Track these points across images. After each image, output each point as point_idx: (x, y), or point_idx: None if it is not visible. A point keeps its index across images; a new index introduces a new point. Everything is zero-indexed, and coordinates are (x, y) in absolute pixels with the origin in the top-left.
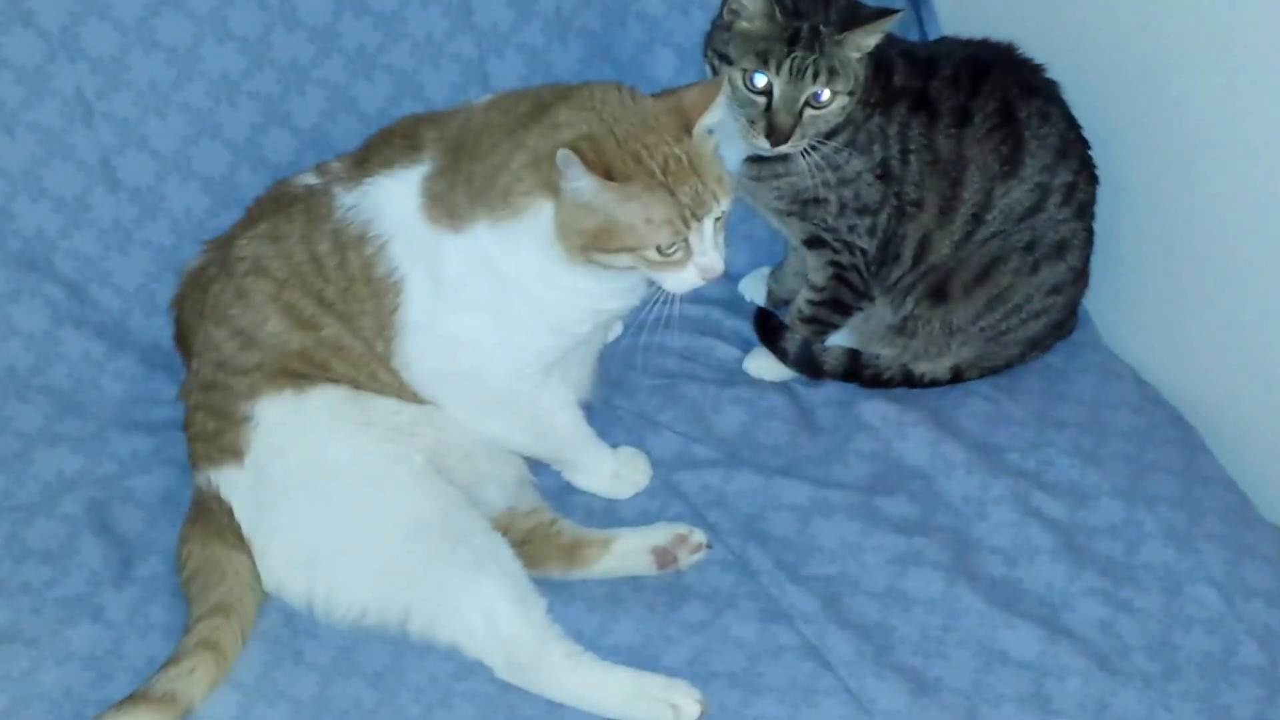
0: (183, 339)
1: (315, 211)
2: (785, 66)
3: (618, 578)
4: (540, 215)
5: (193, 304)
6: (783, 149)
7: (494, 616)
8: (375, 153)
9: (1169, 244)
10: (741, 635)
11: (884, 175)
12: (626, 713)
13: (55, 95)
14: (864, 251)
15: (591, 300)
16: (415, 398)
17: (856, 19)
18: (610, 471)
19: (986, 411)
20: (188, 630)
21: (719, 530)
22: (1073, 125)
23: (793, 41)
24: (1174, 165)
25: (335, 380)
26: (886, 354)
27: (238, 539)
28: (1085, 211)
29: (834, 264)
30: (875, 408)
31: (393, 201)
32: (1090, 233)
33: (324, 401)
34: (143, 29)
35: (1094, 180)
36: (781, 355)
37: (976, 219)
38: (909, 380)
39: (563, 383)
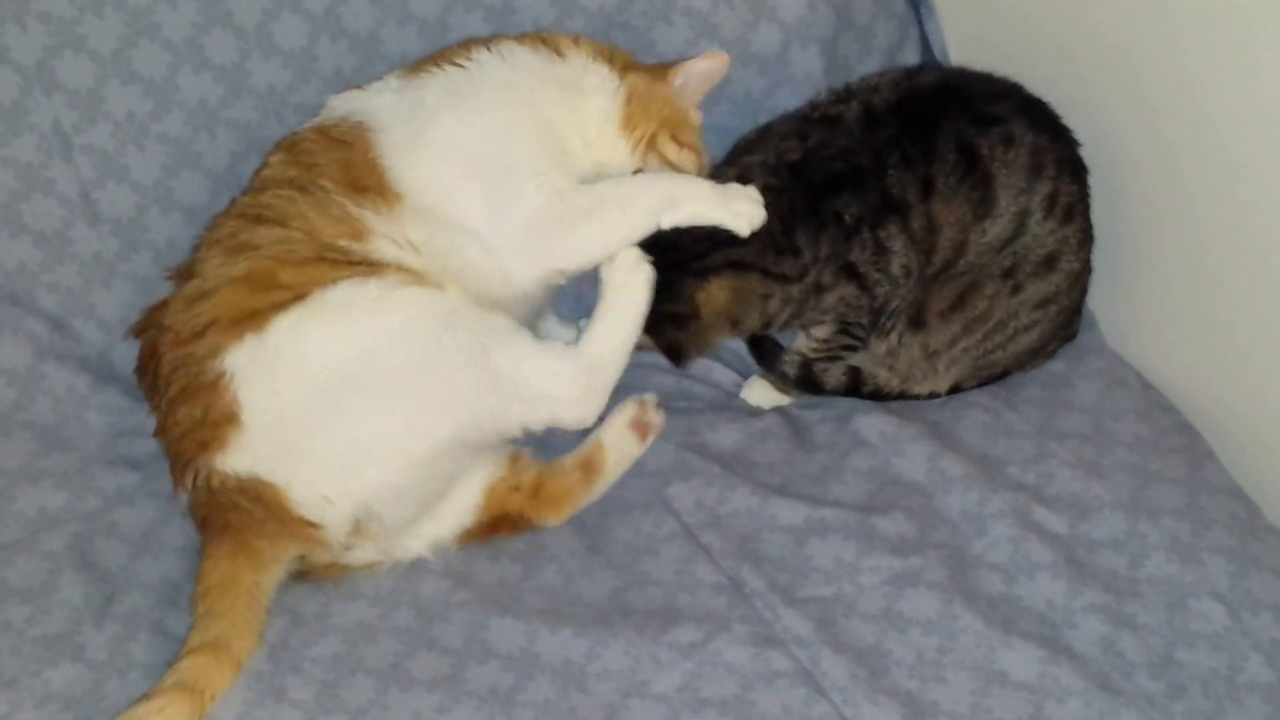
0: (143, 369)
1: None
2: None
3: (616, 483)
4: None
5: (157, 332)
6: None
7: (539, 387)
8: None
9: (1176, 241)
10: (734, 660)
11: (864, 287)
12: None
13: (33, 130)
14: (865, 314)
15: None
16: (368, 256)
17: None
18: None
19: (986, 423)
20: (173, 663)
21: (713, 551)
22: (1040, 130)
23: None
24: (1181, 160)
25: (281, 305)
26: (882, 376)
27: (262, 553)
28: (1073, 213)
29: (839, 320)
30: (873, 423)
31: (356, 101)
32: (1087, 231)
33: (283, 328)
34: (119, 60)
35: (1078, 173)
36: (783, 378)
37: (948, 265)
38: (907, 394)
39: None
